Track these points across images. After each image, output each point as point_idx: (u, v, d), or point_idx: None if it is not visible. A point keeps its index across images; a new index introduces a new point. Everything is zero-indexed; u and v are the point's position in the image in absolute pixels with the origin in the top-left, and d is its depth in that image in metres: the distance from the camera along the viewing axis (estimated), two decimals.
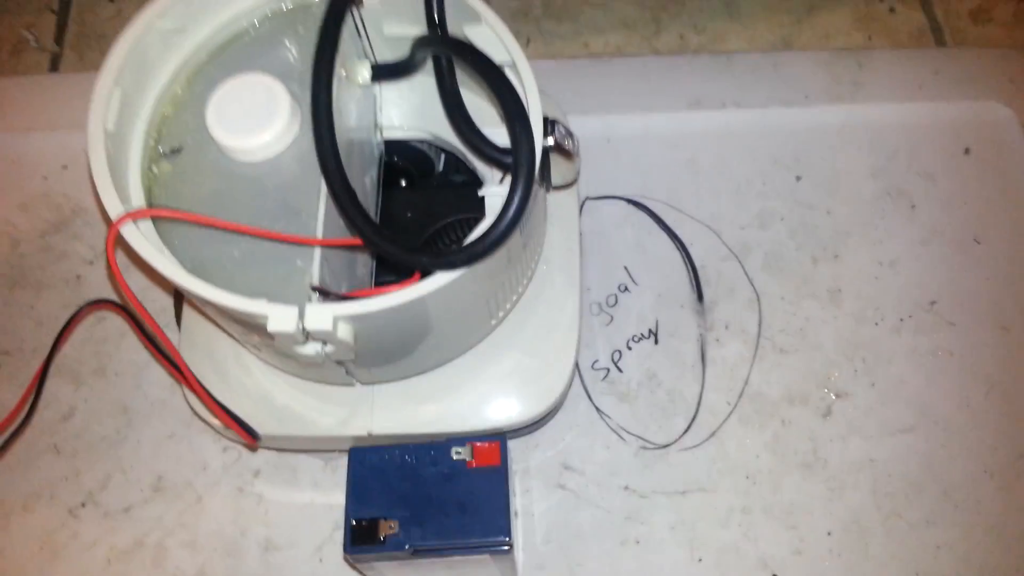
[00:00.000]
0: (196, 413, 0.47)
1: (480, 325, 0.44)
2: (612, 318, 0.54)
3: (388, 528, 0.39)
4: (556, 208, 0.49)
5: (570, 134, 0.40)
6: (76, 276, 0.57)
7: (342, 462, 0.50)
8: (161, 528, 0.49)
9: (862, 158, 0.58)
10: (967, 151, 0.58)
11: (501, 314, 0.45)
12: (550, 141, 0.39)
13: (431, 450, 0.41)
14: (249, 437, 0.44)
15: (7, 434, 0.48)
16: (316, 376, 0.44)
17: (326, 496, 0.50)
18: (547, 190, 0.43)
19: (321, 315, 0.36)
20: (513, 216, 0.36)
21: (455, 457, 0.41)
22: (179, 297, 0.50)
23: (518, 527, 0.49)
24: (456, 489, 0.40)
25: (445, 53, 0.42)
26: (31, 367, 0.53)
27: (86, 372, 0.54)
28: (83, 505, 0.50)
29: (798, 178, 0.57)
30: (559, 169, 0.42)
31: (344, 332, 0.36)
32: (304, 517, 0.49)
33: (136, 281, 0.54)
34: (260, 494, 0.50)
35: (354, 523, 0.39)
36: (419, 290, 0.36)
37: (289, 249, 0.39)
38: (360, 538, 0.39)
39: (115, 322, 0.55)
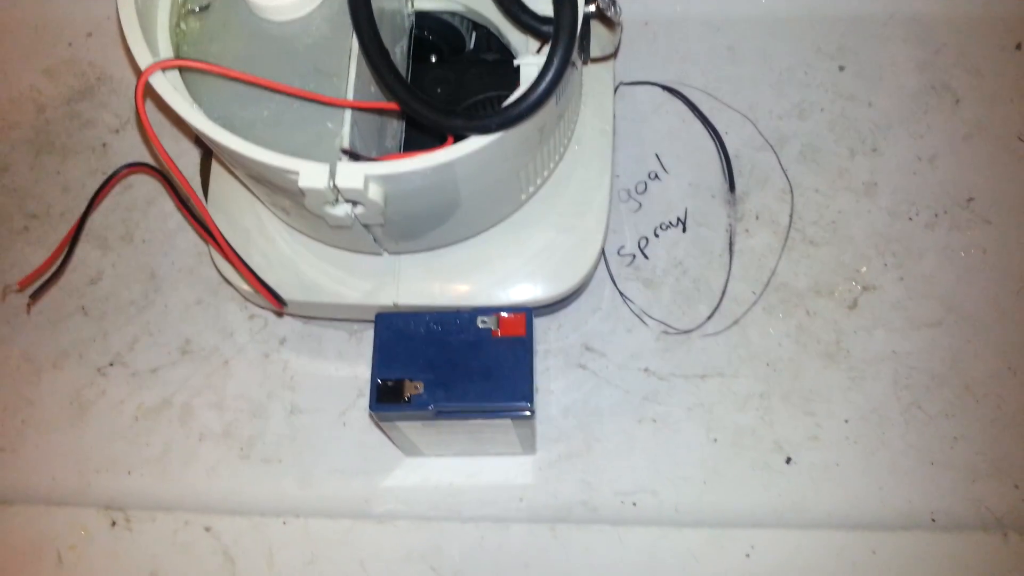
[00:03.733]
0: (224, 278, 0.47)
1: (510, 198, 0.44)
2: (641, 205, 0.54)
3: (413, 388, 0.40)
4: (591, 88, 0.48)
5: (614, 1, 0.39)
6: (103, 144, 0.56)
7: (367, 334, 0.51)
8: (188, 389, 0.51)
9: (908, 50, 0.56)
10: (1018, 46, 0.56)
11: (532, 189, 0.44)
12: (592, 8, 0.38)
13: (457, 318, 0.42)
14: (276, 302, 0.44)
15: (35, 287, 0.48)
16: (344, 242, 0.44)
17: (351, 366, 0.51)
18: (585, 61, 0.42)
19: (353, 173, 0.35)
20: (551, 80, 0.35)
21: (481, 326, 0.41)
22: (206, 167, 0.50)
23: (537, 401, 0.49)
24: (481, 356, 0.41)
25: None
26: (59, 231, 0.53)
27: (113, 238, 0.54)
28: (111, 365, 0.51)
29: (841, 68, 0.56)
30: (599, 39, 0.41)
31: (375, 193, 0.36)
32: (329, 384, 0.50)
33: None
34: (286, 361, 0.51)
35: (380, 382, 0.40)
36: (451, 153, 0.36)
37: (319, 111, 0.39)
38: (385, 396, 0.40)
39: (142, 190, 0.55)
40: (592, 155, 0.47)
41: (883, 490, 0.47)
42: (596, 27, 0.39)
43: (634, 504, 0.48)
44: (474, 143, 0.36)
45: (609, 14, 0.38)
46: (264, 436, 0.50)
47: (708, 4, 0.57)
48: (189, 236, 0.54)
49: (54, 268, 0.48)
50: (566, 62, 0.35)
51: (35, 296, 0.50)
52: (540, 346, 0.51)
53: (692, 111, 0.55)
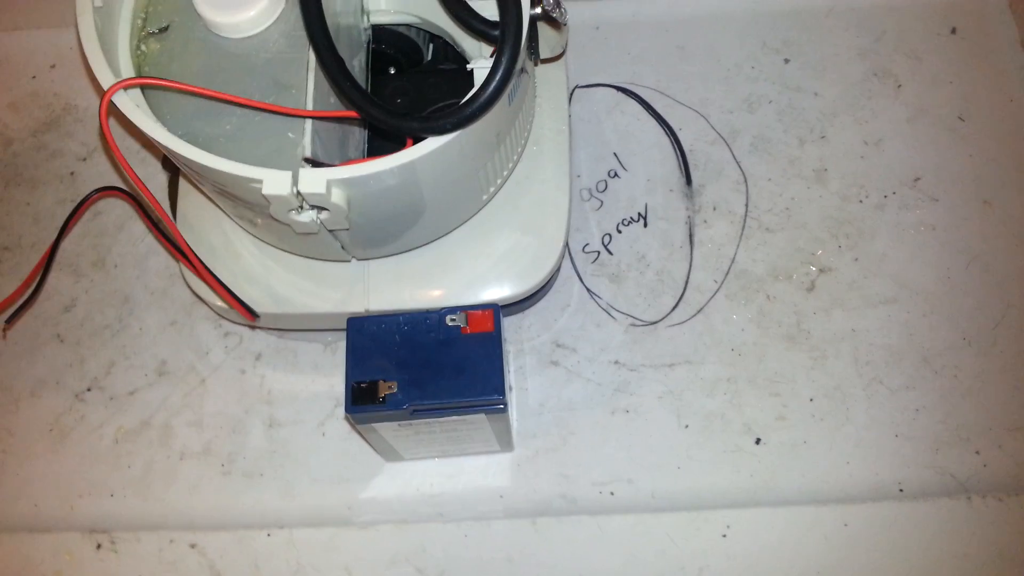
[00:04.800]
0: (197, 295, 0.48)
1: (472, 199, 0.45)
2: (602, 203, 0.55)
3: (387, 389, 0.41)
4: (545, 91, 0.49)
5: (559, 4, 0.40)
6: (70, 173, 0.57)
7: (341, 345, 0.52)
8: (167, 409, 0.51)
9: (850, 39, 0.58)
10: (953, 31, 0.58)
11: (492, 189, 0.45)
12: (537, 10, 0.39)
13: (426, 318, 0.43)
14: (249, 315, 0.45)
15: (9, 313, 0.49)
16: (312, 251, 0.45)
17: (327, 378, 0.52)
18: (535, 62, 0.43)
19: (315, 179, 0.36)
20: (500, 79, 0.36)
21: (450, 324, 0.42)
22: (173, 190, 0.50)
23: (512, 400, 0.50)
24: (452, 353, 0.42)
25: None
26: (31, 261, 0.54)
27: (85, 265, 0.55)
28: (89, 390, 0.52)
29: (786, 61, 0.58)
30: (547, 40, 0.43)
31: (338, 197, 0.37)
32: (306, 396, 0.51)
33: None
34: (262, 376, 0.52)
35: (354, 384, 0.41)
36: (410, 155, 0.37)
37: (280, 122, 0.40)
38: (360, 398, 0.41)
39: (112, 215, 0.56)
40: (550, 155, 0.48)
41: (850, 464, 0.49)
42: (543, 28, 0.41)
43: (612, 493, 0.49)
44: (431, 144, 0.37)
45: (555, 15, 0.39)
46: (244, 451, 0.50)
47: (657, 6, 0.59)
48: (160, 259, 0.54)
49: (27, 294, 0.48)
50: (513, 61, 0.36)
51: (10, 321, 0.50)
52: (512, 346, 0.52)
53: (646, 110, 0.57)
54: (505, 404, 0.41)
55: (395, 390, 0.41)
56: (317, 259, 0.46)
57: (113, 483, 0.50)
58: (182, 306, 0.54)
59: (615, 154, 0.56)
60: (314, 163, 0.39)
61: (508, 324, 0.52)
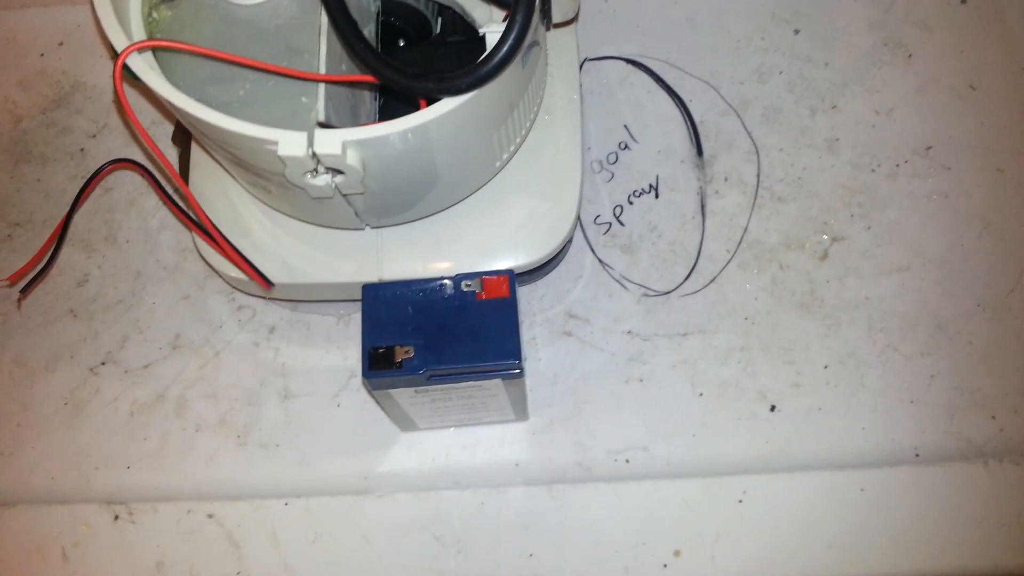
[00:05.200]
0: (210, 265, 0.48)
1: (485, 165, 0.45)
2: (613, 175, 0.55)
3: (404, 353, 0.41)
4: (557, 60, 0.49)
5: None
6: (80, 149, 0.57)
7: (355, 318, 0.52)
8: (181, 382, 0.51)
9: (859, 10, 0.58)
10: (963, 0, 0.58)
11: (505, 156, 0.45)
12: None
13: (441, 284, 0.43)
14: (264, 282, 0.45)
15: (23, 283, 0.49)
16: (325, 217, 0.45)
17: (340, 350, 0.52)
18: (547, 26, 0.43)
19: (330, 140, 0.36)
20: (516, 38, 0.36)
21: (465, 289, 0.42)
22: (184, 162, 0.50)
23: (527, 369, 0.50)
24: (468, 319, 0.42)
25: None
26: (42, 237, 0.54)
27: (97, 240, 0.55)
28: (103, 364, 0.52)
29: (796, 31, 0.57)
30: (559, 4, 0.42)
31: (353, 158, 0.37)
32: (320, 368, 0.51)
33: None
34: (276, 348, 0.52)
35: (371, 349, 0.41)
36: (425, 116, 0.37)
37: (293, 87, 0.40)
38: (377, 363, 0.41)
39: (123, 191, 0.56)
40: (562, 123, 0.48)
41: (866, 430, 0.49)
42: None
43: (627, 461, 0.49)
44: (446, 105, 0.37)
45: None
46: (260, 423, 0.50)
47: None
48: (172, 233, 0.55)
49: (40, 266, 0.48)
50: (528, 19, 0.36)
51: (25, 291, 0.50)
52: (526, 317, 0.52)
53: (656, 82, 0.57)
54: (522, 369, 0.41)
55: (411, 355, 0.41)
56: (330, 227, 0.46)
57: (129, 455, 0.50)
58: (194, 280, 0.54)
59: (625, 126, 0.56)
60: (327, 126, 0.39)
61: (521, 295, 0.52)
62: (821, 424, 0.49)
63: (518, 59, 0.38)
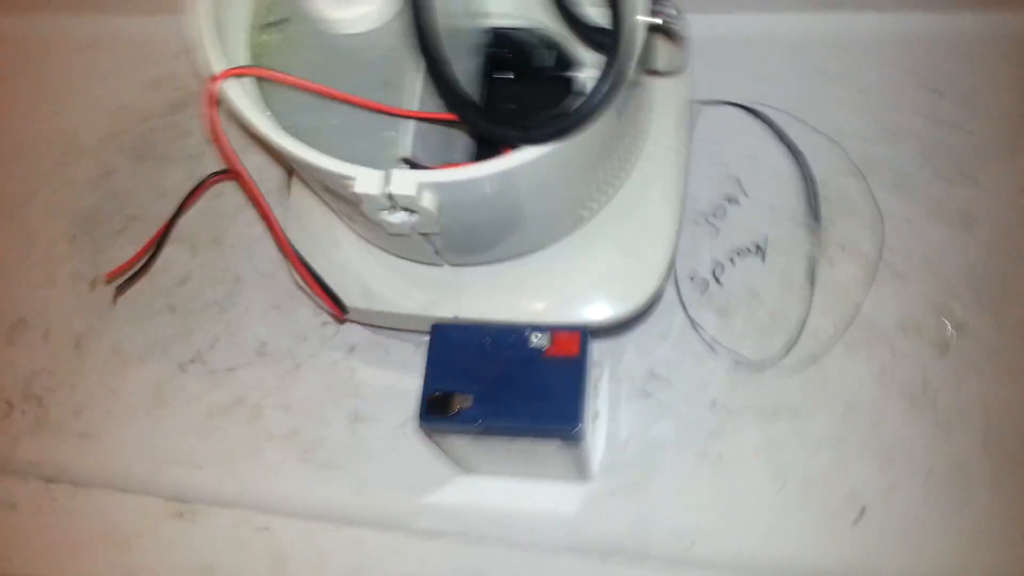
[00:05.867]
0: (297, 284, 0.49)
1: (571, 213, 0.43)
2: (718, 230, 0.52)
3: (462, 402, 0.40)
4: (664, 105, 0.47)
5: (679, 15, 0.38)
6: (200, 152, 0.59)
7: None
8: (260, 389, 0.52)
9: (1011, 72, 0.52)
10: None
11: (595, 205, 0.43)
12: (655, 20, 0.37)
13: (512, 334, 0.41)
14: (337, 309, 0.45)
15: (120, 280, 0.51)
16: (405, 251, 0.45)
17: (415, 378, 0.50)
18: (649, 73, 0.41)
19: (406, 181, 0.35)
20: (606, 93, 0.34)
21: (534, 342, 0.41)
22: (289, 173, 0.51)
23: (599, 428, 0.48)
24: (532, 374, 0.40)
25: None
26: (153, 233, 0.57)
27: (203, 241, 0.57)
28: (192, 362, 0.54)
29: (937, 92, 0.52)
30: (665, 54, 0.40)
31: (428, 201, 0.36)
32: (392, 394, 0.51)
33: (252, 160, 0.56)
34: (353, 368, 0.52)
35: (430, 394, 0.40)
36: (505, 163, 0.36)
37: (384, 121, 0.39)
38: (434, 408, 0.40)
39: (232, 199, 0.57)
40: (662, 173, 0.45)
41: (964, 556, 0.43)
42: (662, 42, 0.38)
43: (692, 543, 0.45)
44: (529, 154, 0.35)
45: (673, 27, 0.37)
46: (325, 441, 0.51)
47: (793, 23, 0.55)
48: (271, 244, 0.56)
49: (139, 265, 0.51)
50: (621, 74, 0.34)
51: (120, 289, 0.53)
52: (604, 370, 0.49)
53: (774, 133, 0.53)
54: (579, 435, 0.39)
55: (469, 404, 0.40)
56: (411, 260, 0.46)
57: (200, 456, 0.51)
58: (286, 291, 0.54)
59: (737, 179, 0.53)
60: (413, 164, 0.38)
61: (602, 348, 0.50)
62: (913, 541, 0.44)
63: (611, 111, 0.36)
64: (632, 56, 0.35)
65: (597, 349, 0.49)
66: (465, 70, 0.44)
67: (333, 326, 0.53)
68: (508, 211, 0.39)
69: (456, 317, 0.45)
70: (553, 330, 0.41)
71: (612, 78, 0.34)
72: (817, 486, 0.45)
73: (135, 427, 0.53)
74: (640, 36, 0.36)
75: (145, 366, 0.54)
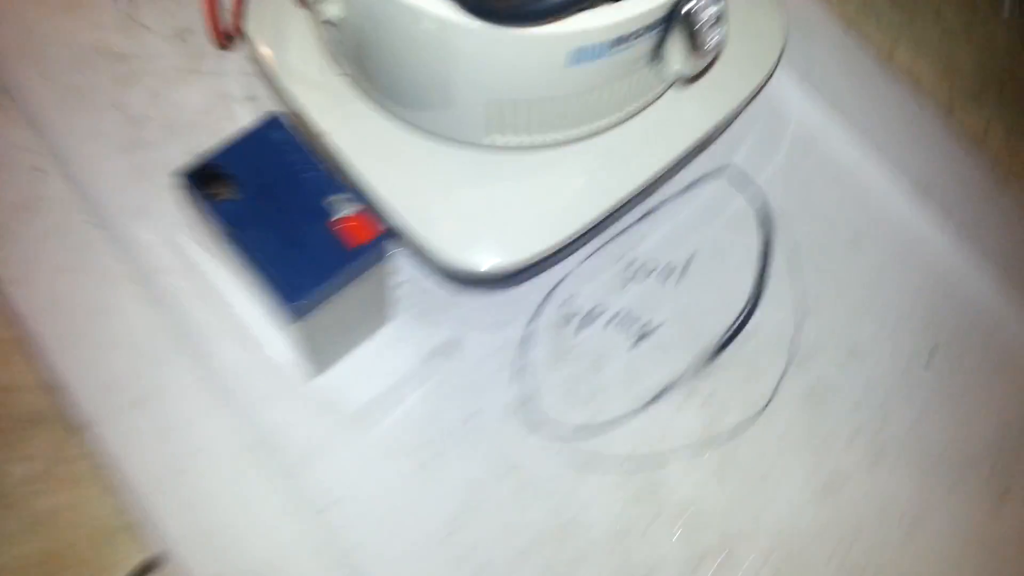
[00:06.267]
0: None
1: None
2: (627, 286, 0.45)
3: (229, 193, 0.34)
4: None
5: (718, 20, 0.31)
6: None
7: None
8: None
9: None
10: None
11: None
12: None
13: (320, 177, 0.35)
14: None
15: None
16: None
17: None
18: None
19: None
20: None
21: (331, 201, 0.35)
22: None
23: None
24: (307, 226, 0.34)
25: None
26: None
27: None
28: None
29: None
30: (678, 51, 0.33)
31: None
32: None
33: None
34: None
35: (207, 163, 0.35)
36: None
37: None
38: (198, 177, 0.34)
39: None
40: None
41: None
42: (679, 35, 0.31)
43: None
44: None
45: (699, 27, 0.30)
46: None
47: None
48: None
49: None
50: None
51: None
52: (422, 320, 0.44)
53: (761, 256, 0.46)
54: (296, 311, 0.34)
55: (234, 198, 0.34)
56: None
57: None
58: None
59: (691, 256, 0.46)
60: None
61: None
62: None
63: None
64: None
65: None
66: None
67: None
68: None
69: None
70: (363, 209, 0.35)
71: None
72: None
73: None
74: None
75: None
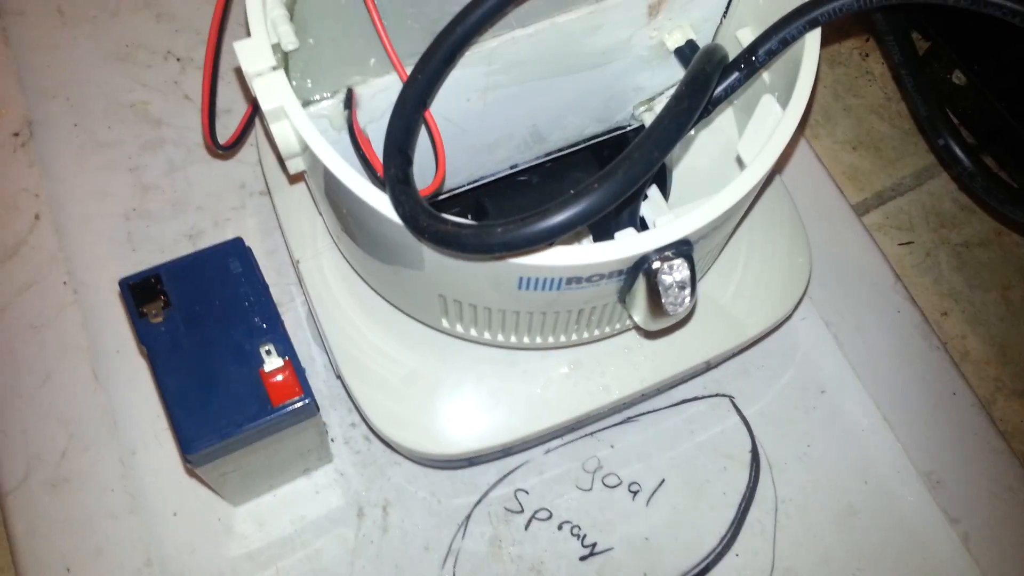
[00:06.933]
0: None
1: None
2: (592, 488, 0.41)
3: (156, 311, 0.32)
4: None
5: (684, 287, 0.27)
6: None
7: None
8: None
9: None
10: None
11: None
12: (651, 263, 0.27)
13: (265, 315, 0.33)
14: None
15: None
16: None
17: None
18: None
19: None
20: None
21: (262, 351, 0.32)
22: None
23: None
24: (230, 368, 0.32)
25: None
26: None
27: None
28: None
29: None
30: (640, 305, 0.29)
31: None
32: None
33: None
34: None
35: (146, 278, 0.33)
36: None
37: None
38: (138, 289, 0.33)
39: None
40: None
41: None
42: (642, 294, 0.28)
43: None
44: None
45: (660, 288, 0.26)
46: None
47: None
48: None
49: None
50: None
51: None
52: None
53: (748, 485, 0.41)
54: (193, 461, 0.31)
55: (160, 319, 0.32)
56: None
57: None
58: None
59: (661, 481, 0.41)
60: None
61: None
62: None
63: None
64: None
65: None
66: None
67: None
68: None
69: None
70: (294, 367, 0.32)
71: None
72: None
73: None
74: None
75: None
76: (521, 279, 0.28)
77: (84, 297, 0.43)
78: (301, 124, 0.28)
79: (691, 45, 0.34)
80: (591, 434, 0.41)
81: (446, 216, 0.26)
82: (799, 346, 0.43)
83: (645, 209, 0.34)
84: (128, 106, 0.48)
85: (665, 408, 0.42)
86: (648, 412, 0.42)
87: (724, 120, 0.39)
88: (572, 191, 0.25)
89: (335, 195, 0.30)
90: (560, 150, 0.38)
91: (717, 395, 0.42)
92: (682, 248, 0.28)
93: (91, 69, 0.49)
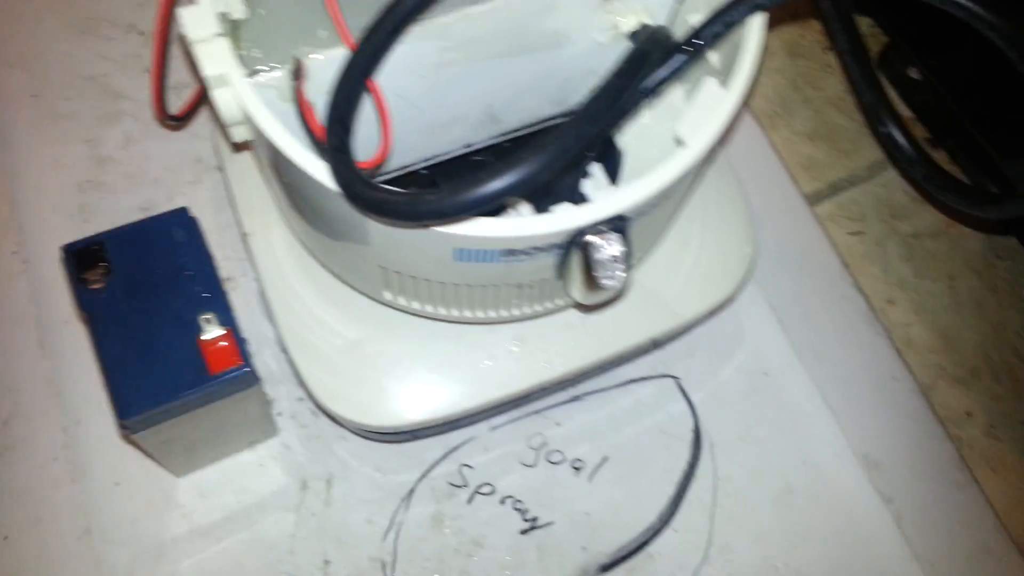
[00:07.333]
0: None
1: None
2: (535, 465, 0.41)
3: (99, 280, 0.32)
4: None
5: (618, 260, 0.28)
6: None
7: None
8: None
9: None
10: None
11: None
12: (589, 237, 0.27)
13: (207, 285, 0.33)
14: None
15: None
16: None
17: None
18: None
19: None
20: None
21: (199, 319, 0.32)
22: None
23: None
24: (168, 335, 0.32)
25: None
26: None
27: None
28: None
29: None
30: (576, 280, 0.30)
31: None
32: None
33: None
34: None
35: (87, 245, 0.33)
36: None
37: None
38: (78, 257, 0.33)
39: None
40: None
41: None
42: (578, 268, 0.28)
43: None
44: None
45: (594, 264, 0.27)
46: None
47: None
48: None
49: None
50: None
51: None
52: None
53: None
54: (129, 427, 0.31)
55: (101, 287, 0.32)
56: None
57: None
58: None
59: (604, 458, 0.42)
60: None
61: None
62: None
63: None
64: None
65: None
66: None
67: None
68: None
69: None
70: (234, 336, 0.33)
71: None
72: None
73: None
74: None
75: None
76: (457, 250, 0.28)
77: (33, 267, 0.43)
78: (243, 91, 0.28)
79: (645, 30, 0.35)
80: (538, 412, 0.42)
81: (381, 184, 0.26)
82: (745, 329, 0.44)
83: (587, 187, 0.34)
84: (88, 78, 0.48)
85: (612, 388, 0.42)
86: (595, 392, 0.42)
87: (676, 108, 0.39)
88: (501, 162, 0.25)
89: (276, 164, 0.30)
90: (515, 131, 0.38)
91: (663, 376, 0.43)
92: (617, 223, 0.28)
93: (53, 41, 0.49)
